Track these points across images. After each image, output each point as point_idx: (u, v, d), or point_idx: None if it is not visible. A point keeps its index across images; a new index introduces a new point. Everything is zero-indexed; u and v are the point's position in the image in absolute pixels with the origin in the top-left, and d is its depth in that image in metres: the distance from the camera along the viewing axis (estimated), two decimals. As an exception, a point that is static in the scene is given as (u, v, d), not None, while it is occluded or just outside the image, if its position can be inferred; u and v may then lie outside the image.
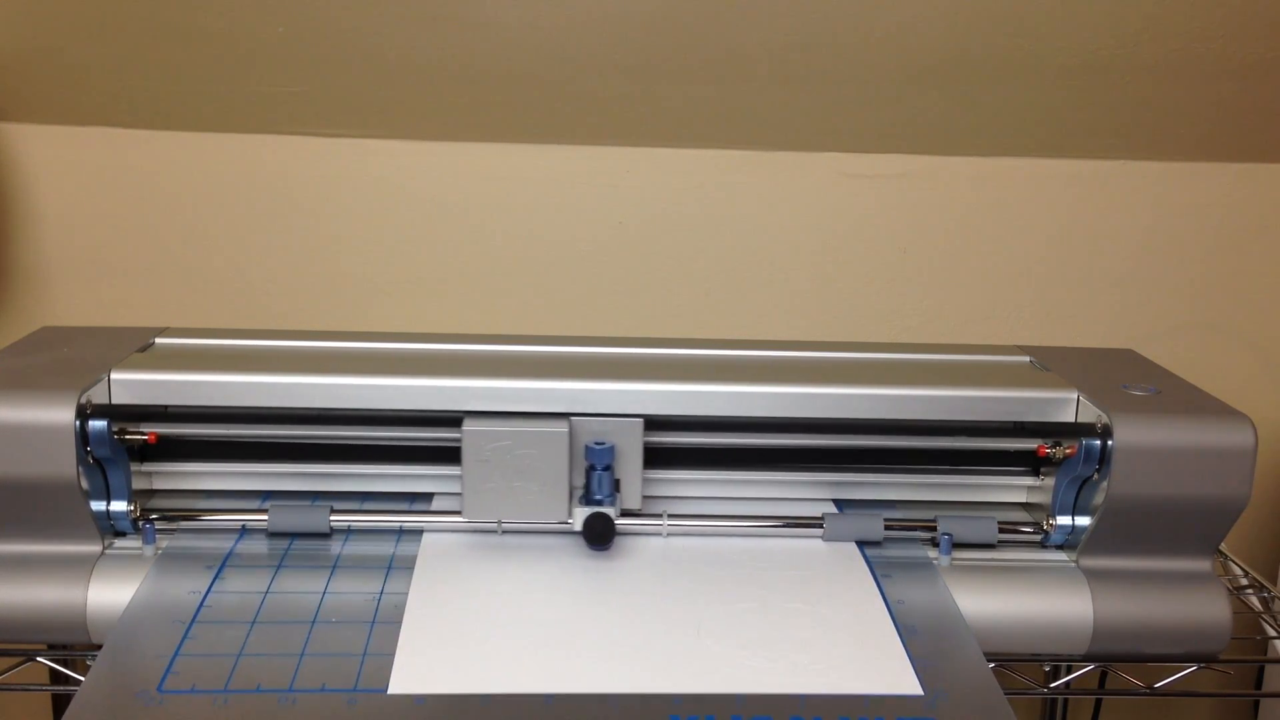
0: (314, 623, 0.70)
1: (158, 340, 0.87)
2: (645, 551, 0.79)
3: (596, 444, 0.77)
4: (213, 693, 0.63)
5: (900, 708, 0.64)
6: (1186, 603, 0.76)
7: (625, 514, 0.79)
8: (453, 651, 0.67)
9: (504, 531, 0.79)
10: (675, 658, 0.68)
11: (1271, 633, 0.85)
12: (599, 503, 0.77)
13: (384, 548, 0.78)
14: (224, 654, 0.67)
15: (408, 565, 0.76)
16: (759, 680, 0.66)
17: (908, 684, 0.66)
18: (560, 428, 0.76)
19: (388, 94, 1.07)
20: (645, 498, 0.83)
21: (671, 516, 0.80)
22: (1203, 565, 0.78)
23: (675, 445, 0.82)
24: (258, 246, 1.14)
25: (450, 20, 1.01)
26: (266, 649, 0.67)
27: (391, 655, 0.67)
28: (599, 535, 0.77)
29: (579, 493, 0.78)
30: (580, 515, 0.77)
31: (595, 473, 0.77)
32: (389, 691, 0.64)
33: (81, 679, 0.65)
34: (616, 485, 0.78)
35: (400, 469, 0.83)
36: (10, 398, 0.73)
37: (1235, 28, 1.01)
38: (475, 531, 0.79)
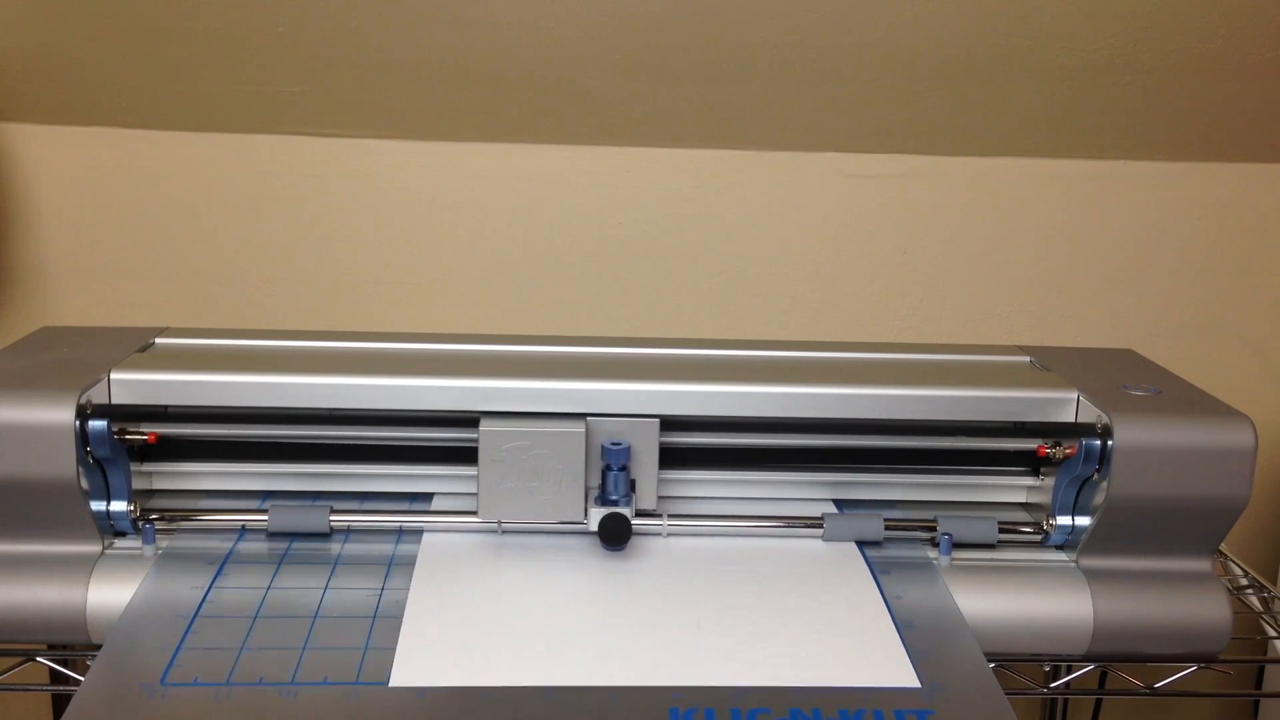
0: (315, 618, 0.70)
1: (158, 340, 0.87)
2: (652, 552, 0.79)
3: (613, 444, 0.77)
4: (215, 685, 0.64)
5: (897, 700, 0.65)
6: (1186, 603, 0.76)
7: (640, 514, 0.79)
8: (454, 646, 0.68)
9: (504, 531, 0.79)
10: (675, 652, 0.68)
11: (1271, 633, 0.85)
12: (614, 503, 0.77)
13: (384, 548, 0.78)
14: (226, 647, 0.67)
15: (408, 565, 0.76)
16: (757, 673, 0.66)
17: (905, 677, 0.67)
18: (577, 428, 0.76)
19: (388, 94, 1.07)
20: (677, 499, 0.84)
21: (672, 517, 0.80)
22: (1203, 565, 0.78)
23: (686, 446, 0.82)
24: (258, 246, 1.14)
25: (450, 20, 1.01)
26: (267, 643, 0.68)
27: (393, 649, 0.67)
28: (615, 536, 0.77)
29: (594, 493, 0.78)
30: (596, 515, 0.77)
31: (611, 473, 0.77)
32: (390, 684, 0.64)
33: (82, 679, 0.65)
34: (632, 485, 0.79)
35: (400, 469, 0.83)
36: (10, 398, 0.73)
37: (1235, 28, 1.01)
38: (475, 531, 0.79)
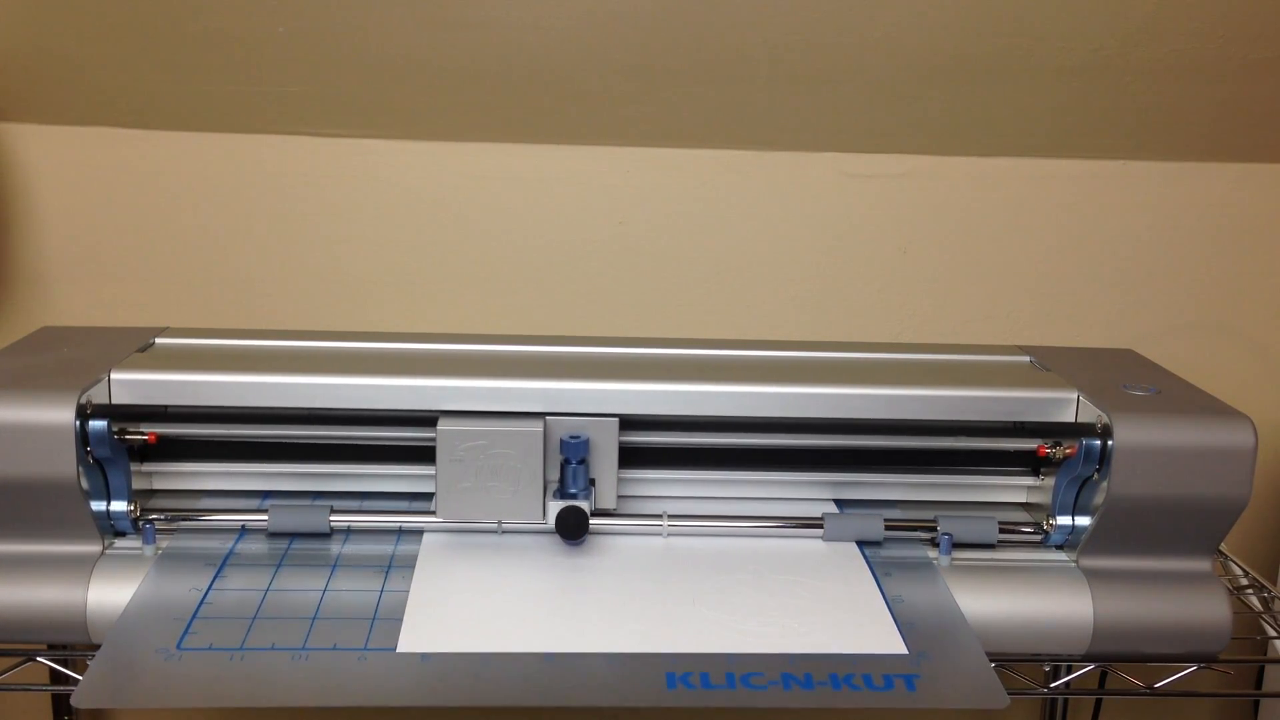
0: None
1: (158, 340, 0.87)
2: (638, 551, 0.79)
3: (571, 438, 0.77)
4: (229, 650, 0.67)
5: (886, 665, 0.67)
6: (1186, 603, 0.76)
7: (600, 514, 0.79)
8: (458, 617, 0.70)
9: (504, 531, 0.79)
10: (671, 623, 0.71)
11: (1271, 633, 0.85)
12: (573, 496, 0.77)
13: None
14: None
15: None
16: (750, 642, 0.69)
17: (893, 644, 0.69)
18: (535, 427, 0.76)
19: (388, 94, 1.07)
20: (644, 498, 0.84)
21: (672, 517, 0.80)
22: (1203, 565, 0.78)
23: (659, 445, 0.82)
24: (258, 246, 1.14)
25: (450, 20, 1.01)
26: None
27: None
28: (572, 529, 0.77)
29: (554, 488, 0.78)
30: (554, 510, 0.77)
31: (569, 466, 0.77)
32: (397, 650, 0.67)
33: (81, 679, 0.65)
34: (592, 481, 0.78)
35: (400, 469, 0.83)
36: (10, 398, 0.73)
37: (1235, 28, 1.01)
38: (475, 531, 0.79)
